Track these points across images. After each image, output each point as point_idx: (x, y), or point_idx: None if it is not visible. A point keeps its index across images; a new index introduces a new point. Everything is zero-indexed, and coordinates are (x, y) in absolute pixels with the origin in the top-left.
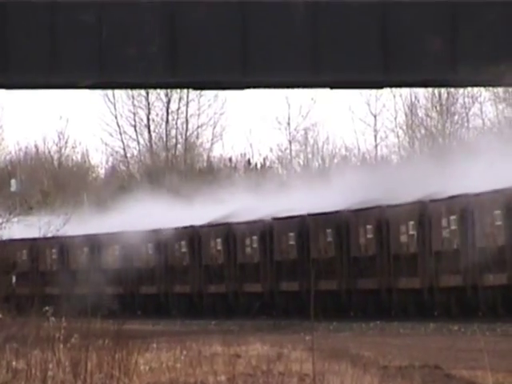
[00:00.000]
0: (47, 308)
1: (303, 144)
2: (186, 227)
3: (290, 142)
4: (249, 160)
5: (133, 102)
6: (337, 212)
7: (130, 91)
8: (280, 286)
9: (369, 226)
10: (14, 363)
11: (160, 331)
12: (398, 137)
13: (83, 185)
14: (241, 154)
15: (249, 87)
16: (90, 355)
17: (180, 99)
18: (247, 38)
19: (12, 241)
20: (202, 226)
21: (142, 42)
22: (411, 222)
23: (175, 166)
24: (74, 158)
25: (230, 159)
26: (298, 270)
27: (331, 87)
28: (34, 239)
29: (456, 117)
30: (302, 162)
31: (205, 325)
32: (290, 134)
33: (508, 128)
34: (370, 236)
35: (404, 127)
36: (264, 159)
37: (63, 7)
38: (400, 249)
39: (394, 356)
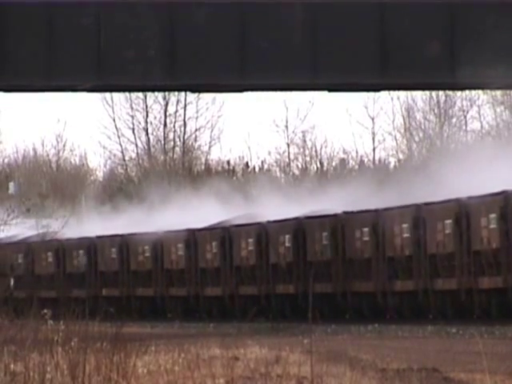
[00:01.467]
0: (45, 311)
1: (301, 147)
2: (148, 233)
3: (288, 145)
4: (247, 163)
5: (131, 105)
6: (294, 219)
7: (127, 94)
8: (239, 290)
9: (324, 233)
10: (11, 366)
11: (158, 334)
12: (395, 140)
13: (81, 188)
14: (239, 157)
15: (247, 90)
16: (88, 358)
17: (178, 102)
18: (245, 41)
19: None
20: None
21: (141, 45)
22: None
23: (173, 168)
24: (72, 160)
25: (228, 162)
26: (257, 275)
27: (329, 90)
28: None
29: (454, 120)
30: (300, 165)
31: (203, 327)
32: (288, 136)
33: (506, 131)
34: (325, 242)
35: (402, 130)
36: (262, 162)
37: (61, 10)
38: (355, 254)
39: (391, 359)
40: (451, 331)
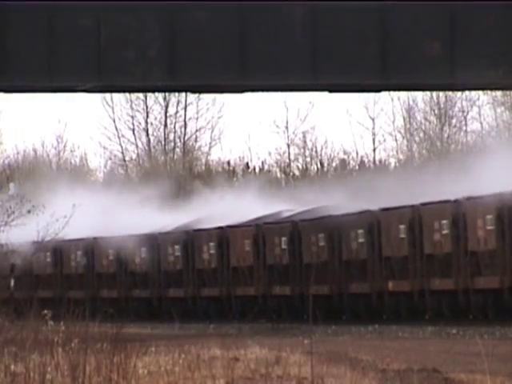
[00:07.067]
0: (46, 311)
1: (302, 147)
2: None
3: (289, 146)
4: (247, 163)
5: (131, 106)
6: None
7: (128, 95)
8: (201, 292)
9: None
10: (12, 367)
11: (158, 335)
12: (396, 140)
13: (81, 188)
14: (239, 158)
15: (247, 91)
16: (88, 359)
17: (178, 103)
18: (246, 42)
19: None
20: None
21: (141, 46)
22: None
23: (173, 169)
24: (72, 161)
25: (229, 163)
26: (218, 277)
27: (329, 91)
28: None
29: (454, 120)
30: (300, 166)
31: (203, 328)
32: (288, 137)
33: (507, 132)
34: (284, 247)
35: (402, 131)
36: (262, 163)
37: (61, 10)
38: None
39: (392, 359)
40: (451, 332)
